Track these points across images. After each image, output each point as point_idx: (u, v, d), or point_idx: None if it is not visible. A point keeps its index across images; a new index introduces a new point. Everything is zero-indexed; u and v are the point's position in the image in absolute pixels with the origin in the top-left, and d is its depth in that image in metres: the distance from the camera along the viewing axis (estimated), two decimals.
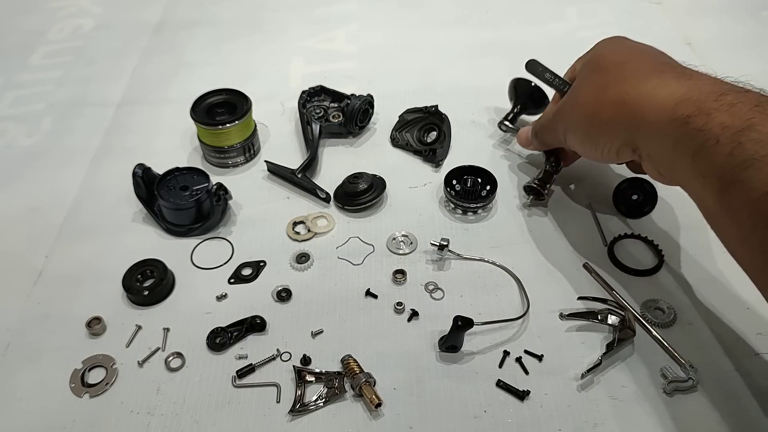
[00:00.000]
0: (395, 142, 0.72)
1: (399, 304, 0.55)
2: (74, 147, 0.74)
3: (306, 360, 0.52)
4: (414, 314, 0.55)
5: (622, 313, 0.52)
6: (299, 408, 0.49)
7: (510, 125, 0.70)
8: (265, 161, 0.69)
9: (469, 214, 0.63)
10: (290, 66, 0.85)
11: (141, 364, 0.52)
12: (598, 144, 0.53)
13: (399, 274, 0.58)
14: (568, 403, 0.49)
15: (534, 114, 0.71)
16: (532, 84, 0.69)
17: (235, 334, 0.53)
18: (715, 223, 0.45)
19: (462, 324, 0.50)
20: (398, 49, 0.87)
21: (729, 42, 0.84)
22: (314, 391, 0.50)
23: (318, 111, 0.73)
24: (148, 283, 0.57)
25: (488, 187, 0.63)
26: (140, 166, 0.63)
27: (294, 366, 0.51)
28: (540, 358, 0.51)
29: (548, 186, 0.63)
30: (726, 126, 0.41)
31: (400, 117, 0.73)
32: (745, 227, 0.40)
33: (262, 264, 0.60)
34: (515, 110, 0.71)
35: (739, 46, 0.84)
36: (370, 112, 0.73)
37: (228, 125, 0.66)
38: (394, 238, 0.61)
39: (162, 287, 0.57)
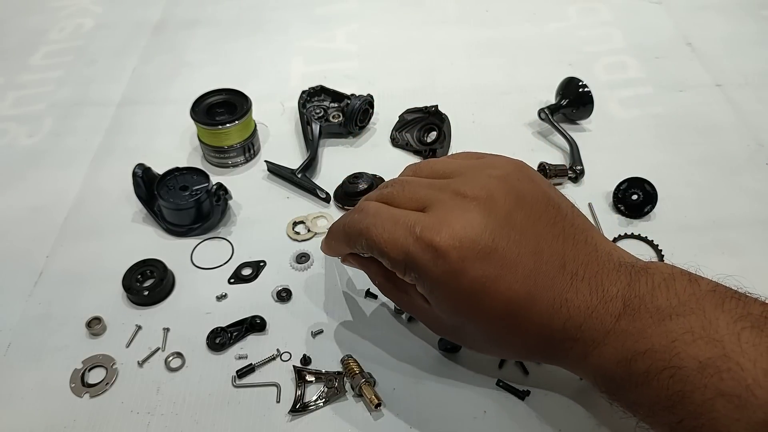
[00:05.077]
0: (395, 142, 0.72)
1: None
2: (75, 147, 0.74)
3: (306, 360, 0.52)
4: None
5: None
6: (299, 408, 0.49)
7: (549, 115, 0.71)
8: (265, 161, 0.69)
9: None
10: (290, 66, 0.85)
11: (141, 364, 0.53)
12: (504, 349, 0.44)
13: None
14: (569, 404, 0.49)
15: (577, 115, 0.72)
16: (581, 83, 0.71)
17: (235, 334, 0.53)
18: None
19: None
20: (398, 49, 0.87)
21: (729, 42, 0.84)
22: (314, 391, 0.50)
23: (318, 111, 0.73)
24: (148, 283, 0.57)
25: None
26: (140, 166, 0.63)
27: (294, 366, 0.51)
28: None
29: None
30: (654, 402, 0.35)
31: (400, 117, 0.73)
32: None
33: (262, 264, 0.60)
34: (561, 103, 0.72)
35: (739, 46, 0.84)
36: (370, 112, 0.73)
37: (228, 125, 0.66)
38: None
39: (162, 287, 0.57)
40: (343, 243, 0.46)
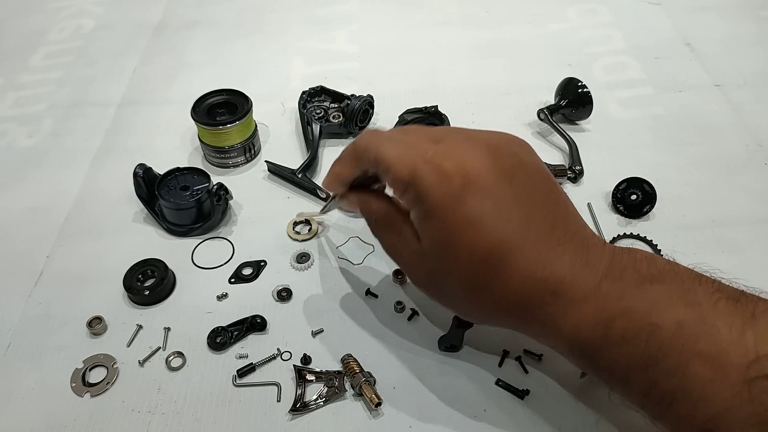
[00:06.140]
0: None
1: (399, 303, 0.55)
2: (75, 147, 0.74)
3: (306, 359, 0.52)
4: (414, 314, 0.55)
5: None
6: (299, 407, 0.49)
7: (549, 116, 0.71)
8: (266, 161, 0.69)
9: None
10: (290, 66, 0.85)
11: (142, 363, 0.53)
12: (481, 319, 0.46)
13: (399, 274, 0.58)
14: (568, 402, 0.49)
15: (576, 116, 0.73)
16: (580, 84, 0.71)
17: (235, 333, 0.54)
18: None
19: (461, 324, 0.50)
20: (399, 50, 0.87)
21: (729, 42, 0.85)
22: (314, 391, 0.50)
23: (318, 111, 0.73)
24: (148, 283, 0.57)
25: None
26: (141, 166, 0.63)
27: (294, 365, 0.51)
28: (539, 357, 0.51)
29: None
30: (632, 365, 0.36)
31: (400, 117, 0.73)
32: None
33: (262, 264, 0.60)
34: (560, 103, 0.72)
35: (738, 46, 0.84)
36: (370, 113, 0.73)
37: (228, 125, 0.66)
38: None
39: (163, 287, 0.57)
40: (350, 161, 0.46)
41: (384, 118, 0.75)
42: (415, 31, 0.90)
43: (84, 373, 0.52)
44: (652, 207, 0.62)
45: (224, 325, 0.54)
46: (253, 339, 0.54)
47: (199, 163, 0.71)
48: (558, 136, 0.70)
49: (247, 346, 0.53)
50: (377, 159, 0.42)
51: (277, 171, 0.68)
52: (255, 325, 0.54)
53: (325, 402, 0.49)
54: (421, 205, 0.40)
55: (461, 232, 0.38)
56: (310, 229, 0.63)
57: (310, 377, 0.50)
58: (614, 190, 0.63)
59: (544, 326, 0.40)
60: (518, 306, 0.40)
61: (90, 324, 0.54)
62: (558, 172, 0.65)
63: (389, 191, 0.45)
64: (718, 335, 0.33)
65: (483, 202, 0.38)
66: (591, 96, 0.71)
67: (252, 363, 0.52)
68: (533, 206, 0.39)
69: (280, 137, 0.74)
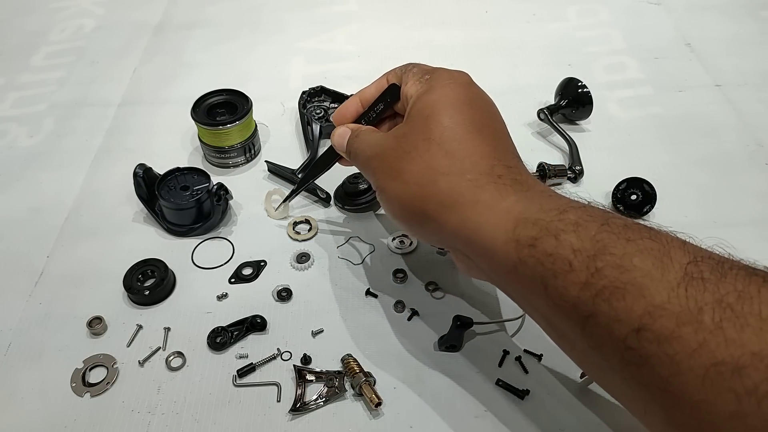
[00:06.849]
0: None
1: (399, 303, 0.55)
2: (75, 147, 0.74)
3: (306, 359, 0.52)
4: (414, 313, 0.55)
5: None
6: (299, 407, 0.49)
7: (548, 116, 0.71)
8: (266, 161, 0.69)
9: None
10: (290, 66, 0.85)
11: (142, 363, 0.53)
12: (420, 233, 0.48)
13: (399, 274, 0.58)
14: (568, 402, 0.49)
15: (576, 116, 0.73)
16: (580, 84, 0.71)
17: (235, 333, 0.54)
18: (577, 352, 0.38)
19: (461, 324, 0.50)
20: (398, 49, 0.87)
21: (729, 42, 0.85)
22: (314, 391, 0.50)
23: (318, 111, 0.73)
24: (148, 283, 0.57)
25: None
26: (141, 166, 0.63)
27: (294, 365, 0.51)
28: (539, 357, 0.51)
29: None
30: (577, 249, 0.35)
31: None
32: (614, 361, 0.34)
33: (262, 264, 0.60)
34: (560, 103, 0.72)
35: (738, 46, 0.84)
36: None
37: (228, 125, 0.66)
38: (394, 238, 0.62)
39: (163, 287, 0.57)
40: (377, 83, 0.58)
41: None
42: (414, 30, 0.90)
43: (84, 373, 0.52)
44: (652, 207, 0.62)
45: (224, 325, 0.54)
46: (253, 339, 0.54)
47: (199, 163, 0.71)
48: (558, 136, 0.70)
49: (247, 346, 0.53)
50: (410, 64, 0.54)
51: (277, 171, 0.68)
52: (255, 325, 0.54)
53: (325, 402, 0.49)
54: (430, 83, 0.48)
55: (448, 109, 0.45)
56: (310, 229, 0.63)
57: (310, 377, 0.50)
58: (614, 190, 0.63)
59: (490, 208, 0.40)
60: (470, 174, 0.42)
61: (90, 324, 0.55)
62: (558, 172, 0.65)
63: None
64: (664, 236, 0.35)
65: (478, 90, 0.48)
66: (591, 96, 0.71)
67: (252, 363, 0.52)
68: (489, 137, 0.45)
69: (280, 137, 0.74)
